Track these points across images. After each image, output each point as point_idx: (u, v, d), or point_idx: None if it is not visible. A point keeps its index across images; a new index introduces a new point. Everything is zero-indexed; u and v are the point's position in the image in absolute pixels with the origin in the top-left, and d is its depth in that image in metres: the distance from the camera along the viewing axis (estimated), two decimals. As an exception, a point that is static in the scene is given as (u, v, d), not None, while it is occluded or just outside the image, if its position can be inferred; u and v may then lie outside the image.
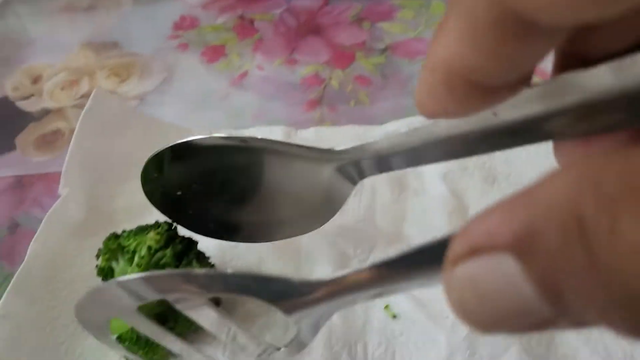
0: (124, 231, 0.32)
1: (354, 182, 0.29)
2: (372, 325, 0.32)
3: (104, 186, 0.39)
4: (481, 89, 0.18)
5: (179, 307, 0.24)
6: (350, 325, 0.32)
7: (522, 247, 0.11)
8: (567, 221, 0.11)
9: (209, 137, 0.28)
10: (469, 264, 0.13)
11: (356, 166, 0.28)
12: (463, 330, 0.29)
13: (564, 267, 0.11)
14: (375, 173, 0.28)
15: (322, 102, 0.46)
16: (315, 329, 0.26)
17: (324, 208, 0.30)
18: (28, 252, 0.34)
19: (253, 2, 0.56)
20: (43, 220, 0.36)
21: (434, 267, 0.18)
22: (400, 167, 0.27)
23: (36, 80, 0.50)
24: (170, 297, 0.24)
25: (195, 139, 0.29)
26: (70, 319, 0.34)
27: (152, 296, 0.24)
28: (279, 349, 0.27)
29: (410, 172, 0.39)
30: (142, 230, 0.31)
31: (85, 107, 0.40)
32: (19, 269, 0.33)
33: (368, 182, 0.38)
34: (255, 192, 0.30)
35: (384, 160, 0.27)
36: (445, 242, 0.16)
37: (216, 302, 0.32)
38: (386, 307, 0.32)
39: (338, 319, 0.32)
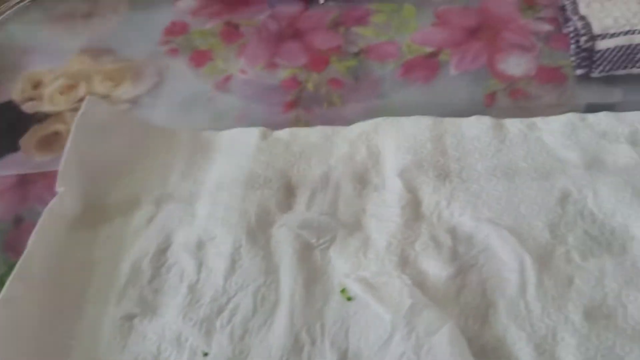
0: None
1: None
2: (329, 307, 0.36)
3: (97, 184, 0.43)
4: None
5: None
6: (310, 308, 0.36)
7: None
8: None
9: None
10: None
11: None
12: (403, 308, 0.33)
13: None
14: None
15: (299, 104, 0.50)
16: None
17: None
18: (29, 242, 0.39)
19: (239, 8, 0.60)
20: (42, 215, 0.40)
21: None
22: None
23: (38, 85, 0.55)
24: None
25: None
26: (68, 304, 0.38)
27: None
28: None
29: (371, 169, 0.43)
30: None
31: (79, 112, 0.44)
32: (22, 257, 0.38)
33: (333, 179, 0.42)
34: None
35: None
36: None
37: None
38: (342, 290, 0.36)
39: (300, 300, 0.36)
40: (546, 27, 0.52)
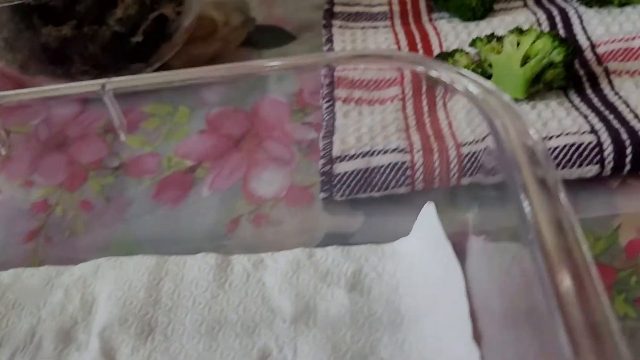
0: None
1: None
2: None
3: None
4: None
5: None
6: None
7: None
8: None
9: None
10: None
11: None
12: None
13: None
14: None
15: (41, 233, 0.47)
16: None
17: None
18: None
19: (16, 110, 0.57)
20: None
21: None
22: None
23: None
24: None
25: None
26: None
27: None
28: None
29: (80, 323, 0.40)
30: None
31: None
32: None
33: (38, 336, 0.39)
34: None
35: None
36: None
37: None
38: None
39: None
40: (311, 135, 0.50)
